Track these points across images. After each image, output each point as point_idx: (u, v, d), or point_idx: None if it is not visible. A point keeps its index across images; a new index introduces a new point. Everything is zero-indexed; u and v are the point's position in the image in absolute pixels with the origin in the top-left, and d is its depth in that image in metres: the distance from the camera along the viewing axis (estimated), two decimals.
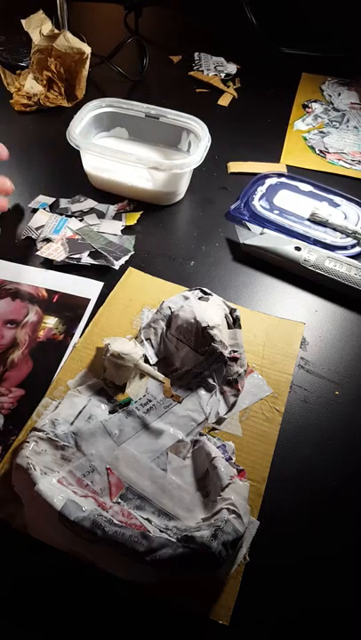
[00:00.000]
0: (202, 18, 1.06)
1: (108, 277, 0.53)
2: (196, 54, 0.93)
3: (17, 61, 0.83)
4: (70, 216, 0.59)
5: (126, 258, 0.55)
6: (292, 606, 0.35)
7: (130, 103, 0.64)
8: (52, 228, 0.57)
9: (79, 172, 0.63)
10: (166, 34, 1.02)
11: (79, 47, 0.73)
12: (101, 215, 0.60)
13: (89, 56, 0.74)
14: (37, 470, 0.36)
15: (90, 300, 0.51)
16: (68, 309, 0.50)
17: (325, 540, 0.38)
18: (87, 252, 0.55)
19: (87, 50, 0.73)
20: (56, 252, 0.54)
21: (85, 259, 0.54)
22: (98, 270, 0.54)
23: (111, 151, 0.56)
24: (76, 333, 0.48)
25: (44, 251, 0.54)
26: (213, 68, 0.89)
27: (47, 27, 0.74)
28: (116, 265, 0.54)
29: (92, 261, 0.54)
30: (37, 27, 0.74)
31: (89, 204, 0.61)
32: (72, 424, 0.40)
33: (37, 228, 0.57)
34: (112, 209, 0.61)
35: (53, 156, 0.68)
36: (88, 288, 0.52)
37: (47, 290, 0.52)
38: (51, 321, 0.49)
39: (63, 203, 0.61)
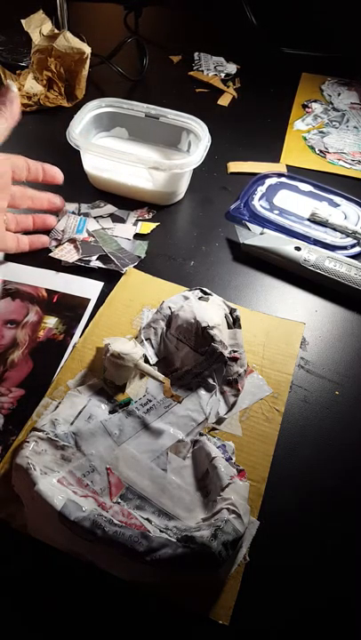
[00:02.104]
0: (202, 18, 1.06)
1: (108, 277, 0.53)
2: (196, 54, 0.93)
3: (17, 61, 0.83)
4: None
5: (134, 264, 0.55)
6: (292, 606, 0.35)
7: (130, 103, 0.64)
8: (74, 228, 0.57)
9: (79, 172, 0.63)
10: (166, 34, 1.02)
11: (79, 47, 0.73)
12: (120, 221, 0.60)
13: (89, 56, 0.74)
14: (37, 470, 0.36)
15: (90, 300, 0.51)
16: (68, 309, 0.50)
17: (325, 539, 0.38)
18: (97, 256, 0.55)
19: (87, 50, 0.73)
20: (69, 253, 0.54)
21: (94, 262, 0.54)
22: (98, 270, 0.54)
23: (111, 151, 0.56)
24: (76, 333, 0.48)
25: (57, 252, 0.54)
26: (213, 68, 0.89)
27: (47, 27, 0.74)
28: (123, 270, 0.54)
29: (101, 265, 0.54)
30: (37, 27, 0.74)
31: (109, 209, 0.61)
32: (72, 424, 0.40)
33: (60, 231, 0.57)
34: (132, 215, 0.61)
35: (53, 156, 0.68)
36: (88, 288, 0.52)
37: (47, 290, 0.52)
38: (51, 321, 0.49)
39: (83, 208, 0.61)
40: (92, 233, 0.57)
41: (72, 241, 0.56)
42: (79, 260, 0.54)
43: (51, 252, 0.55)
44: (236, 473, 0.38)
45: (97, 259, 0.54)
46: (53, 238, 0.56)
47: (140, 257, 0.56)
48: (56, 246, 0.55)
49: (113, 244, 0.56)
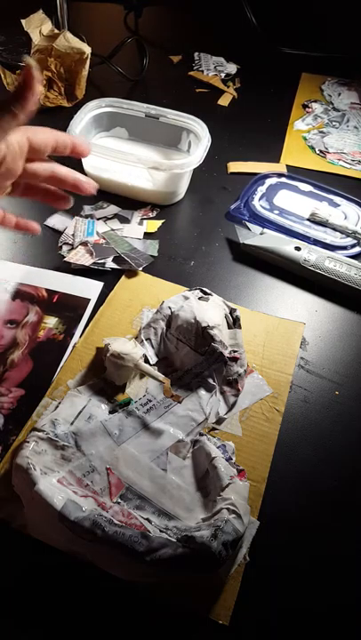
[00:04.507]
0: (202, 18, 1.06)
1: (108, 277, 0.53)
2: (196, 54, 0.93)
3: (17, 61, 0.82)
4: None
5: (147, 264, 0.55)
6: (292, 606, 0.35)
7: (130, 103, 0.64)
8: (84, 231, 0.57)
9: (79, 172, 0.63)
10: (166, 34, 1.02)
11: (79, 47, 0.73)
12: (125, 221, 0.60)
13: (89, 56, 0.74)
14: (37, 470, 0.36)
15: (90, 300, 0.51)
16: (68, 309, 0.50)
17: (325, 539, 0.37)
18: (111, 257, 0.55)
19: (87, 50, 0.73)
20: (83, 257, 0.54)
21: (110, 264, 0.54)
22: (98, 270, 0.54)
23: (111, 151, 0.56)
24: (76, 333, 0.48)
25: (72, 257, 0.54)
26: (213, 68, 0.89)
27: (47, 27, 0.74)
28: (139, 269, 0.54)
29: (116, 266, 0.54)
30: (37, 27, 0.73)
31: (112, 209, 0.61)
32: (72, 424, 0.40)
33: (71, 235, 0.57)
34: (136, 215, 0.61)
35: (53, 156, 0.68)
36: (88, 288, 0.52)
37: (47, 290, 0.52)
38: (51, 321, 0.49)
39: (87, 209, 0.61)
40: (103, 235, 0.57)
41: (84, 244, 0.56)
42: (94, 263, 0.54)
43: (63, 255, 0.55)
44: (236, 473, 0.38)
45: (112, 260, 0.54)
46: (64, 243, 0.56)
47: (153, 256, 0.56)
48: (69, 251, 0.55)
49: (125, 244, 0.56)
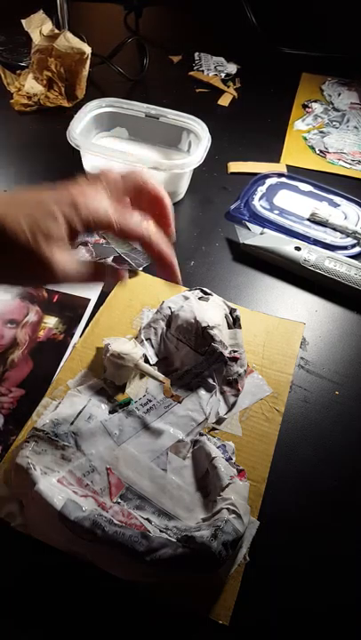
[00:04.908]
0: (202, 18, 1.06)
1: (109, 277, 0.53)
2: (196, 54, 0.93)
3: (17, 61, 0.83)
4: None
5: (147, 264, 0.55)
6: (292, 606, 0.35)
7: (130, 103, 0.64)
8: None
9: (79, 172, 0.63)
10: (166, 34, 1.02)
11: (79, 47, 0.73)
12: None
13: (89, 56, 0.74)
14: (37, 470, 0.36)
15: (90, 299, 0.51)
16: (68, 309, 0.50)
17: (325, 539, 0.37)
18: (111, 257, 0.55)
19: (87, 50, 0.73)
20: (83, 257, 0.54)
21: (110, 264, 0.54)
22: None
23: (111, 151, 0.56)
24: (75, 333, 0.48)
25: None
26: (213, 68, 0.89)
27: (47, 27, 0.74)
28: (139, 270, 0.54)
29: (116, 266, 0.54)
30: (37, 27, 0.73)
31: None
32: (72, 424, 0.40)
33: None
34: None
35: (53, 156, 0.68)
36: (88, 288, 0.52)
37: (47, 290, 0.52)
38: (51, 321, 0.49)
39: None
40: (103, 235, 0.57)
41: (84, 244, 0.56)
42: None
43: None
44: (236, 473, 0.38)
45: (112, 260, 0.54)
46: None
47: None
48: None
49: (125, 244, 0.56)
